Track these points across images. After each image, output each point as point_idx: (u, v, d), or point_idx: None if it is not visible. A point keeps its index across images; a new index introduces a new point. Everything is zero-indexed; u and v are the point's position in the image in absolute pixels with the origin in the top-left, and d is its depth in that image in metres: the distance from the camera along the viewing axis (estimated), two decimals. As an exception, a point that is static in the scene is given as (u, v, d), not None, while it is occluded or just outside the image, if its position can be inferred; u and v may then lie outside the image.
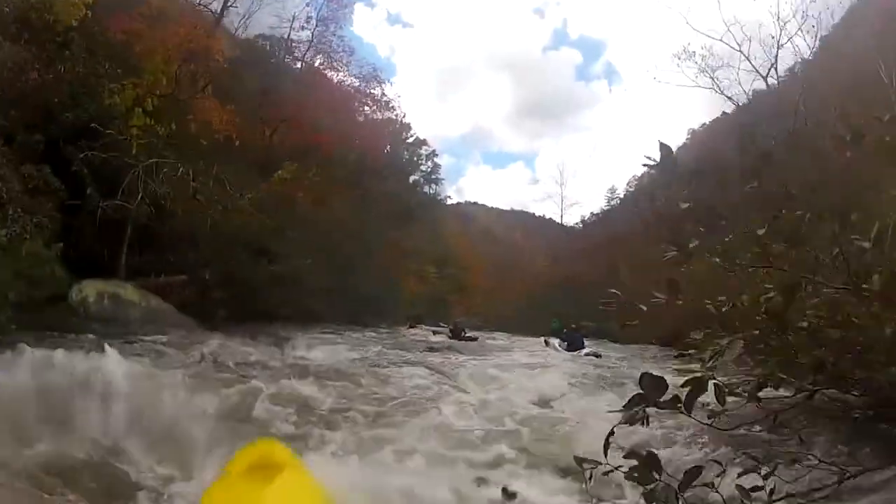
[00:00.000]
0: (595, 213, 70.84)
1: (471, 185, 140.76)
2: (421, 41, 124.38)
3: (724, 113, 53.83)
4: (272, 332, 19.08)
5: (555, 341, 27.52)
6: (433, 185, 68.80)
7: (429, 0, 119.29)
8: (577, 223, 70.57)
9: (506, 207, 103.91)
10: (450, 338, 29.95)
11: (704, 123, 63.29)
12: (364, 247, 36.16)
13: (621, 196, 72.05)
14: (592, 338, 30.27)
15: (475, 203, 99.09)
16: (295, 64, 42.03)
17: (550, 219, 79.12)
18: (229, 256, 22.65)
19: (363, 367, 13.48)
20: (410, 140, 66.06)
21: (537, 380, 12.79)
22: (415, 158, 66.72)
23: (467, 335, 31.13)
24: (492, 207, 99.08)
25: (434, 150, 68.48)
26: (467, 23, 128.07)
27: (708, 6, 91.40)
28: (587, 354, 24.16)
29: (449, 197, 78.55)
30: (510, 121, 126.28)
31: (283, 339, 17.76)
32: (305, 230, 28.83)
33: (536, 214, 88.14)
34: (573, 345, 25.95)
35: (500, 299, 60.05)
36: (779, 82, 42.18)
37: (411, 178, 65.72)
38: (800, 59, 40.94)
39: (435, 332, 34.75)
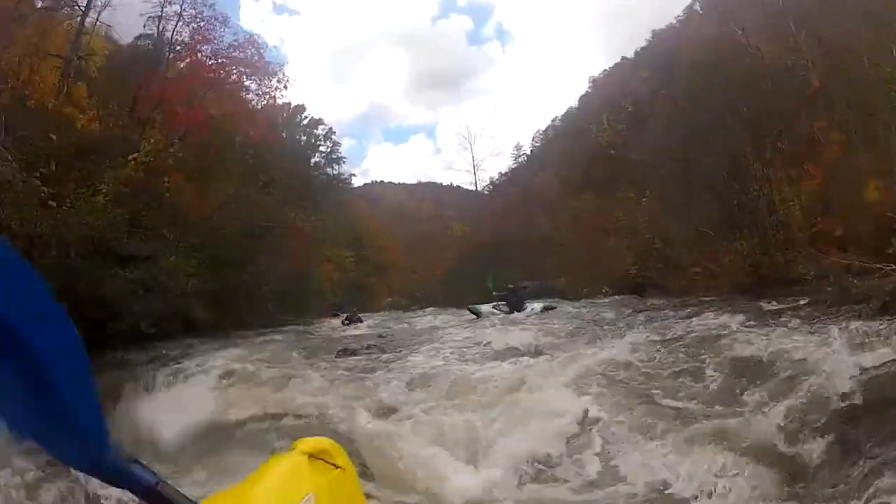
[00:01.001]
0: (504, 172, 67.88)
1: (375, 164, 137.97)
2: (309, 27, 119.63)
3: (623, 58, 55.77)
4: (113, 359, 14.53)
5: (486, 307, 24.85)
6: (335, 166, 64.31)
7: None
8: (486, 186, 67.62)
9: (413, 181, 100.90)
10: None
11: (605, 70, 62.71)
12: (264, 238, 31.92)
13: (528, 153, 69.56)
14: (534, 297, 27.06)
15: (382, 182, 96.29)
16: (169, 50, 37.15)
17: (458, 186, 76.28)
18: (64, 266, 17.41)
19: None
20: (306, 122, 61.50)
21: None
22: (312, 140, 62.16)
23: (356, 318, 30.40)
24: (399, 184, 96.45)
25: (331, 129, 63.73)
26: (354, 2, 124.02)
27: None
28: (544, 310, 21.58)
29: (353, 175, 74.05)
30: (407, 95, 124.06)
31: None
32: (183, 225, 24.20)
33: (444, 184, 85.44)
34: (515, 305, 23.84)
35: (424, 275, 57.08)
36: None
37: (312, 161, 61.19)
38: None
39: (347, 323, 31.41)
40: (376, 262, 63.47)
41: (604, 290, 25.70)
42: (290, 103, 61.16)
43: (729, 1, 37.67)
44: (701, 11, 46.03)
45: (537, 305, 24.23)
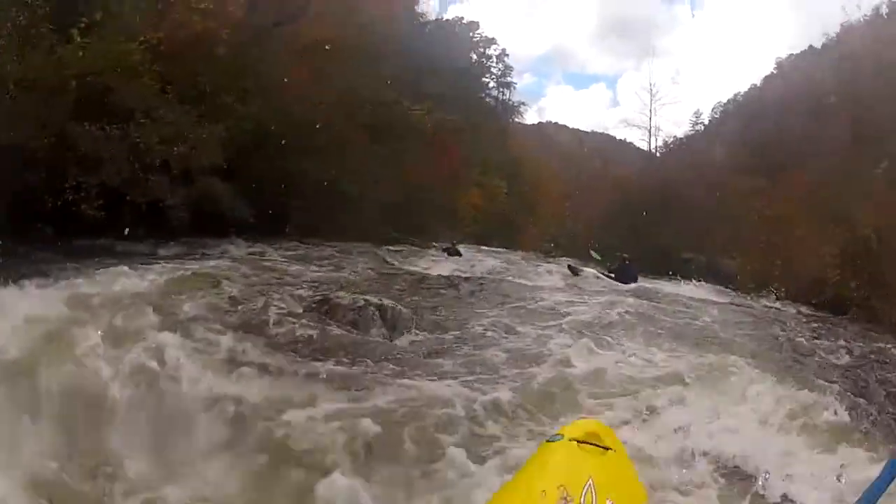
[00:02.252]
0: (678, 137, 61.35)
1: (552, 105, 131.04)
2: None
3: (811, 46, 53.62)
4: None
5: (591, 270, 21.68)
6: (504, 91, 58.99)
7: None
8: (659, 147, 61.22)
9: (587, 129, 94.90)
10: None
11: (792, 54, 60.10)
12: (391, 142, 27.56)
13: (706, 122, 63.15)
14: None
15: (556, 123, 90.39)
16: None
17: (630, 143, 69.95)
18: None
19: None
20: (478, 39, 56.43)
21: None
22: (484, 60, 57.04)
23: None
24: (573, 129, 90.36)
25: (504, 50, 58.38)
26: None
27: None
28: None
29: (523, 104, 67.90)
30: (592, 41, 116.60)
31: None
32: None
33: (617, 138, 79.00)
34: (627, 276, 20.52)
35: (574, 224, 51.71)
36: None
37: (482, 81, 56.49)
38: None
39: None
40: (531, 200, 57.76)
41: (776, 291, 18.31)
42: (462, 17, 56.77)
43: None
44: (886, 15, 43.67)
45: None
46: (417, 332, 7.71)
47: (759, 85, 62.04)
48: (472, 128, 50.32)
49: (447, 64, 50.11)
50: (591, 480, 1.34)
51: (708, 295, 17.60)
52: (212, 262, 10.78)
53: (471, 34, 55.34)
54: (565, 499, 1.33)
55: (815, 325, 13.06)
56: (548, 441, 1.67)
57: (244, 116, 17.60)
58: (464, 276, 15.10)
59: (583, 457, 1.51)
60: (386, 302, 7.87)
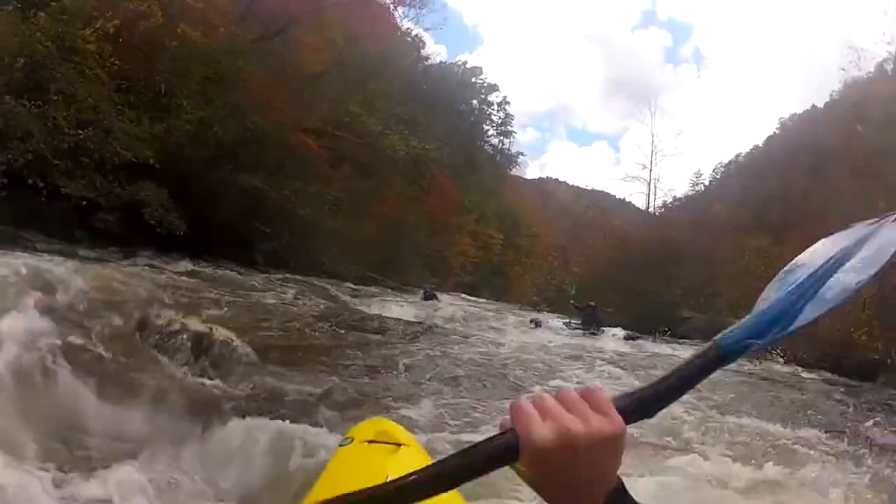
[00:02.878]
0: (678, 197, 59.99)
1: (554, 160, 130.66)
2: (509, 11, 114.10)
3: (813, 106, 52.86)
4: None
5: (556, 322, 21.46)
6: (505, 140, 57.31)
7: None
8: (658, 207, 59.73)
9: (587, 187, 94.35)
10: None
11: (794, 114, 58.47)
12: (386, 172, 25.74)
13: (706, 182, 62.12)
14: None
15: (556, 179, 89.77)
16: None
17: (630, 202, 68.78)
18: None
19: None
20: (481, 85, 54.93)
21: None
22: (485, 107, 55.44)
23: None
24: (572, 185, 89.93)
25: (506, 98, 56.69)
26: None
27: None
28: (627, 338, 18.21)
29: (522, 155, 66.27)
30: (596, 99, 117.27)
31: None
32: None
33: (617, 196, 78.22)
34: (592, 325, 20.00)
35: (567, 278, 49.62)
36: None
37: (482, 128, 54.91)
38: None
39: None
40: (525, 253, 55.46)
41: (788, 355, 15.15)
42: (465, 62, 55.50)
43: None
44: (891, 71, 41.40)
45: (619, 331, 19.95)
46: (260, 375, 5.36)
47: (760, 145, 61.51)
48: (469, 172, 48.81)
49: (447, 106, 48.72)
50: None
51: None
52: (67, 264, 8.48)
53: (473, 79, 53.88)
54: None
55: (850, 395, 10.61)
56: (340, 446, 1.61)
57: (192, 120, 15.53)
58: (415, 321, 12.38)
59: (377, 456, 1.46)
60: (218, 332, 5.55)
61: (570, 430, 0.67)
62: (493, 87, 55.25)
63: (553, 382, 7.48)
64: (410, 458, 1.47)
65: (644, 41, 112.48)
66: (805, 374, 13.12)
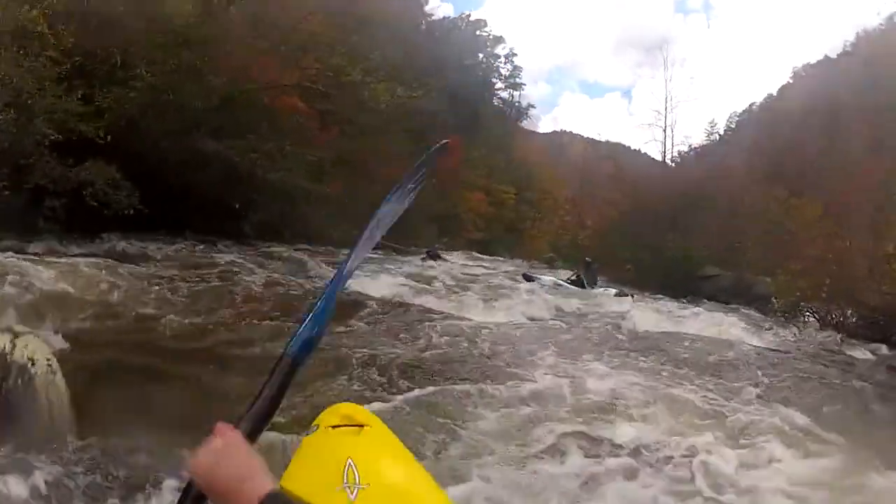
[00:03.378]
0: (693, 147, 58.19)
1: (566, 114, 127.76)
2: None
3: (826, 56, 53.50)
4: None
5: (549, 278, 19.75)
6: (514, 93, 55.05)
7: None
8: (674, 157, 57.80)
9: (601, 139, 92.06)
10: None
11: (808, 63, 59.86)
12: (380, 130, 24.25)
13: (720, 132, 60.40)
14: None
15: (570, 132, 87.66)
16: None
17: (645, 153, 66.82)
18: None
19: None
20: (486, 37, 52.65)
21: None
22: (492, 61, 53.14)
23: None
24: (587, 138, 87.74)
25: (513, 50, 54.51)
26: None
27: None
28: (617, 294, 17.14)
29: (532, 107, 64.19)
30: (607, 51, 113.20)
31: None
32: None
33: (631, 147, 76.12)
34: (587, 281, 19.17)
35: (582, 232, 48.01)
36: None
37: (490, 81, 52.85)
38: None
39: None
40: (539, 207, 53.58)
41: (825, 318, 12.88)
42: (468, 14, 53.12)
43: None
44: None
45: (611, 289, 18.71)
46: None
47: (774, 95, 60.92)
48: (476, 127, 47.06)
49: (452, 61, 46.88)
50: (350, 461, 1.27)
51: (742, 333, 10.89)
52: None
53: (477, 32, 51.61)
54: (333, 487, 1.24)
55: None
56: (305, 436, 1.53)
57: (141, 87, 13.92)
58: (384, 297, 10.53)
59: (339, 440, 1.42)
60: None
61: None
62: (499, 40, 53.09)
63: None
64: (374, 439, 1.46)
65: None
66: (848, 349, 10.81)
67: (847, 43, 50.61)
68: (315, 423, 1.52)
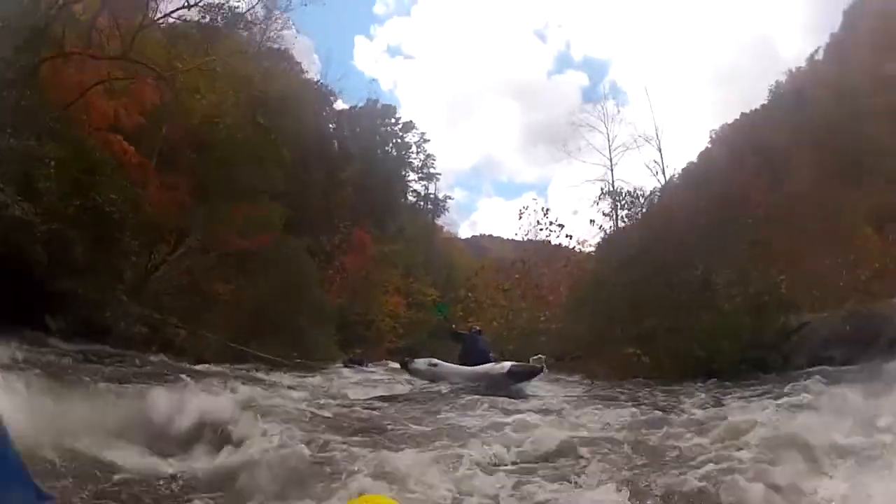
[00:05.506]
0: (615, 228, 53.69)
1: (484, 218, 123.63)
2: (424, 72, 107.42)
3: (746, 112, 46.73)
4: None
5: (422, 362, 14.42)
6: (427, 183, 48.95)
7: (428, 30, 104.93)
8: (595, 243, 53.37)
9: (521, 239, 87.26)
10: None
11: (725, 124, 51.95)
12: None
13: (642, 212, 55.85)
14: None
15: (490, 236, 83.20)
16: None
17: (566, 246, 61.97)
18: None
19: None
20: (397, 126, 46.89)
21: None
22: (402, 152, 47.17)
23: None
24: (507, 239, 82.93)
25: (424, 136, 48.38)
26: (469, 51, 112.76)
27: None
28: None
29: (446, 200, 57.42)
30: (520, 150, 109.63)
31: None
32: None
33: (553, 243, 71.28)
34: (471, 357, 12.92)
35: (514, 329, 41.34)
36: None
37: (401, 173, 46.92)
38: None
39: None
40: (467, 308, 46.42)
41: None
42: (377, 101, 47.48)
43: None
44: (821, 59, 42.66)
45: (506, 364, 12.16)
46: None
47: (695, 161, 57.95)
48: (389, 222, 40.97)
49: (359, 150, 41.16)
50: None
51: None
52: None
53: (388, 120, 45.96)
54: None
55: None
56: None
57: None
58: None
59: None
60: None
61: None
62: (410, 125, 47.26)
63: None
64: None
65: (562, 84, 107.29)
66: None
67: (773, 87, 47.95)
68: None
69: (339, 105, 43.01)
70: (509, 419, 6.82)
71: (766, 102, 49.30)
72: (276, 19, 29.89)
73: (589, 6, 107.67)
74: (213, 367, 12.50)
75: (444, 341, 40.69)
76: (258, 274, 17.81)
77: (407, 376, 14.36)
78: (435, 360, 13.90)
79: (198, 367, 12.14)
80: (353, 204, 37.70)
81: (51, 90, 12.93)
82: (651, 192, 31.40)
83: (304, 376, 14.92)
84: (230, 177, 16.65)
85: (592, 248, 30.78)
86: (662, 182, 34.46)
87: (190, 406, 5.82)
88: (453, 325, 16.09)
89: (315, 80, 39.92)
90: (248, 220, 17.09)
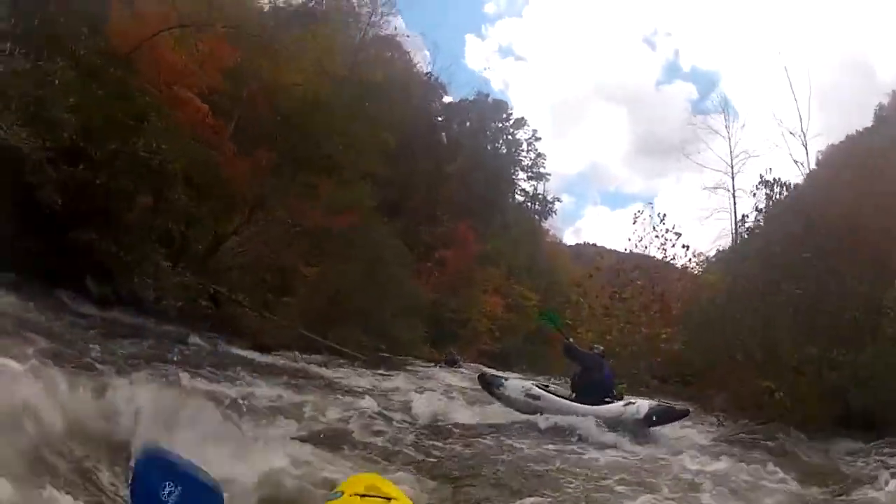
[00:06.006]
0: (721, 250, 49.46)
1: (589, 226, 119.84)
2: (534, 74, 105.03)
3: (854, 132, 38.43)
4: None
5: (515, 383, 10.98)
6: (536, 183, 46.52)
7: (539, 32, 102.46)
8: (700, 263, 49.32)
9: (625, 250, 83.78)
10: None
11: (832, 144, 48.75)
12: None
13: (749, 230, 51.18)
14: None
15: (594, 245, 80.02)
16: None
17: (670, 262, 58.01)
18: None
19: None
20: (508, 122, 44.77)
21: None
22: (513, 149, 45.00)
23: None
24: (611, 250, 79.27)
25: (535, 133, 46.13)
26: (579, 55, 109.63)
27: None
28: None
29: (559, 201, 54.92)
30: (627, 159, 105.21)
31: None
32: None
33: (657, 258, 67.57)
34: (594, 387, 9.84)
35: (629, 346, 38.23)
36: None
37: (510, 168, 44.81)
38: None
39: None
40: (578, 314, 43.32)
41: None
42: (488, 95, 45.57)
43: None
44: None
45: (643, 404, 9.72)
46: None
47: (801, 182, 54.44)
48: (494, 217, 38.99)
49: (469, 144, 39.57)
50: None
51: None
52: None
53: (499, 115, 43.94)
54: None
55: None
56: (328, 501, 1.44)
57: None
58: None
59: None
60: None
61: None
62: (521, 122, 44.99)
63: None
64: None
65: (670, 95, 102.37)
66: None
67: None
68: (339, 489, 1.44)
69: (449, 99, 41.87)
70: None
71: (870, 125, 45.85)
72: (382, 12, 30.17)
73: (697, 17, 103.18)
74: (268, 359, 10.79)
75: (538, 347, 38.65)
76: (342, 257, 16.18)
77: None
78: (536, 389, 10.34)
79: (252, 354, 10.49)
80: (459, 198, 35.96)
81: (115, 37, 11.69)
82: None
83: (386, 375, 13.10)
84: (316, 150, 15.14)
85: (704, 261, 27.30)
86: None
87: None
88: (570, 339, 11.57)
89: (424, 72, 39.13)
90: (333, 197, 15.50)
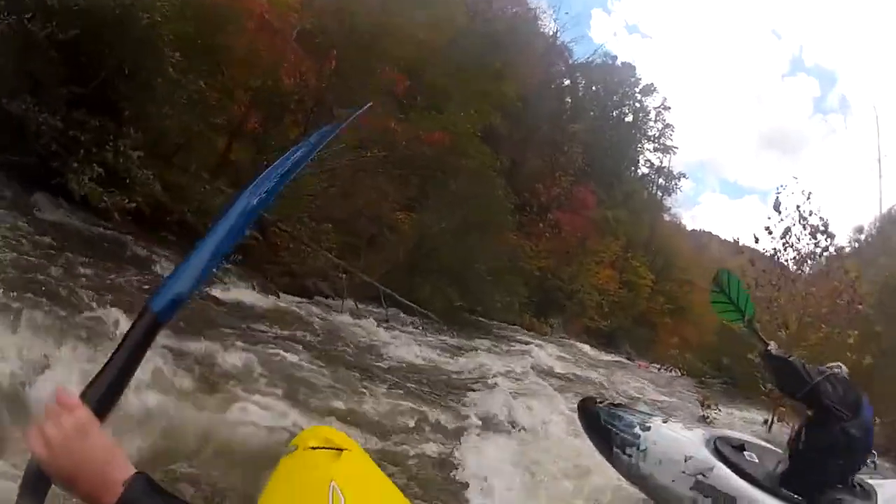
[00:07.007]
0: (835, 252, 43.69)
1: (705, 213, 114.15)
2: (660, 54, 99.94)
3: None
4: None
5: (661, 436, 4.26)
6: (662, 156, 42.71)
7: (666, 11, 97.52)
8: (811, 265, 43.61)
9: (736, 241, 78.82)
10: None
11: None
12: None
13: (862, 238, 44.57)
14: None
15: (709, 233, 75.68)
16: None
17: (784, 262, 52.67)
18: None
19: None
20: (636, 88, 41.05)
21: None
22: (640, 116, 41.21)
23: None
24: (724, 240, 74.37)
25: (665, 102, 42.33)
26: (706, 38, 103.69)
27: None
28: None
29: (684, 177, 50.23)
30: (748, 150, 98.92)
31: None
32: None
33: (767, 254, 62.63)
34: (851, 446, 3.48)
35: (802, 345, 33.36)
36: None
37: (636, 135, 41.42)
38: None
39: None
40: (676, 302, 39.38)
41: None
42: (615, 57, 42.22)
43: None
44: None
45: None
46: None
47: None
48: (617, 188, 36.04)
49: (591, 104, 36.60)
50: (333, 483, 1.20)
51: None
52: None
53: (627, 80, 40.29)
54: None
55: None
56: (284, 455, 1.47)
57: None
58: None
59: (321, 462, 1.36)
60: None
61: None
62: (650, 89, 41.13)
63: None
64: (355, 463, 1.40)
65: (793, 89, 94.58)
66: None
67: None
68: (293, 443, 1.44)
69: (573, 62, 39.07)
70: None
71: None
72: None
73: (822, 13, 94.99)
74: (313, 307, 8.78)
75: (646, 331, 35.58)
76: (433, 200, 14.08)
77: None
78: (706, 455, 4.02)
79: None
80: (580, 161, 33.18)
81: None
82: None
83: (461, 349, 10.76)
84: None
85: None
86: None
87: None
88: (774, 345, 4.09)
89: (550, 34, 36.44)
90: (421, 118, 13.45)
